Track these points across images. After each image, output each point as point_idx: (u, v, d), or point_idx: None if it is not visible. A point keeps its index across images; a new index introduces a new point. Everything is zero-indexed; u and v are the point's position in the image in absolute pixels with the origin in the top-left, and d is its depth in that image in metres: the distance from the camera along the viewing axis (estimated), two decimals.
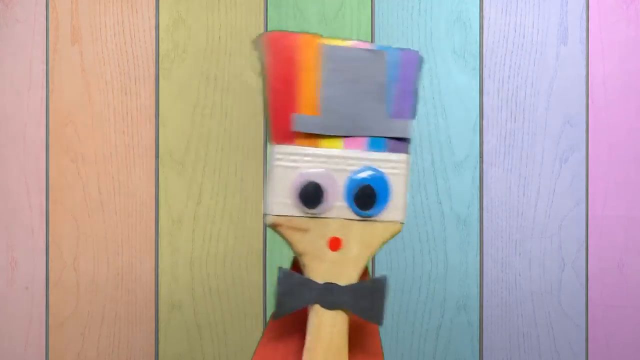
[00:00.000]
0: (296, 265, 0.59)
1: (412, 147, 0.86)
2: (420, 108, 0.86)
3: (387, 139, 0.57)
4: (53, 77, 0.86)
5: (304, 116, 0.56)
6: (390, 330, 0.86)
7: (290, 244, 0.57)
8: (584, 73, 0.86)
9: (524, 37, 0.87)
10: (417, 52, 0.57)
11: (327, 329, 0.56)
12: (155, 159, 0.86)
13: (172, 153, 0.86)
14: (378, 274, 0.87)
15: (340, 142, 0.57)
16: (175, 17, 0.87)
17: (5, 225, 0.86)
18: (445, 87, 0.86)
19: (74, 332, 0.86)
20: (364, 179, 0.57)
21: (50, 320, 0.86)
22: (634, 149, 0.86)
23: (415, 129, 0.86)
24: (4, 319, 0.86)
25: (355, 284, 0.57)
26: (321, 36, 0.56)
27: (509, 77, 0.87)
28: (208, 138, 0.86)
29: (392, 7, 0.87)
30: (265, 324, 0.86)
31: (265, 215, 0.56)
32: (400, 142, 0.58)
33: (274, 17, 0.86)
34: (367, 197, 0.57)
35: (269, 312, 0.86)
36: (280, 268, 0.57)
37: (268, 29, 0.87)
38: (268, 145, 0.57)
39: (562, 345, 0.86)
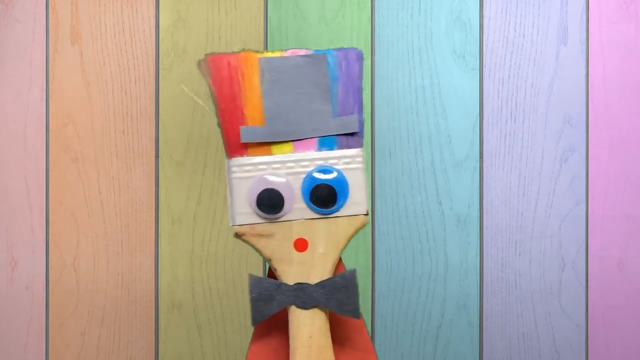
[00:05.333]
0: (272, 272, 0.60)
1: (412, 147, 0.87)
2: (420, 108, 0.86)
3: (336, 137, 0.59)
4: (53, 77, 0.86)
5: (250, 127, 0.59)
6: (390, 330, 0.86)
7: (257, 250, 0.59)
8: (584, 73, 0.86)
9: (524, 37, 0.87)
10: (357, 49, 0.61)
11: (306, 328, 0.58)
12: (155, 159, 0.86)
13: (172, 153, 0.86)
14: (380, 277, 0.87)
15: (290, 146, 0.59)
16: (175, 17, 0.87)
17: (5, 225, 0.86)
18: (445, 87, 0.86)
19: (74, 332, 0.86)
20: (318, 178, 0.59)
21: (50, 320, 0.86)
22: (634, 149, 0.86)
23: (415, 129, 0.86)
24: (4, 319, 0.86)
25: (325, 280, 0.58)
26: (260, 52, 0.59)
27: (509, 77, 0.87)
28: (208, 138, 0.86)
29: (392, 7, 0.87)
30: None
31: (231, 227, 0.59)
32: (351, 137, 0.60)
33: (274, 17, 0.87)
34: (325, 195, 0.59)
35: None
36: (250, 275, 0.59)
37: (268, 29, 0.87)
38: (225, 160, 0.59)
39: (562, 345, 0.86)
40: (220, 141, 0.86)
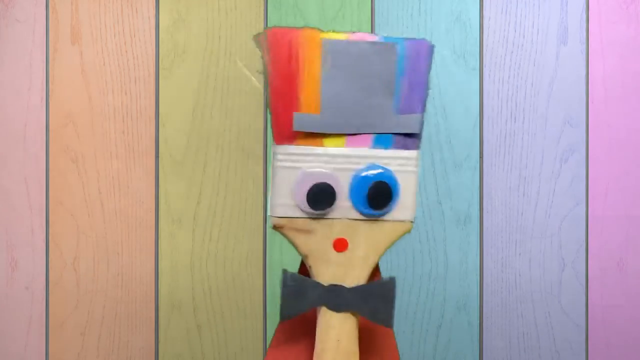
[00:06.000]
0: (304, 268, 0.58)
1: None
2: None
3: (394, 136, 0.55)
4: (53, 77, 0.86)
5: (304, 115, 0.54)
6: None
7: (294, 245, 0.56)
8: (584, 73, 0.86)
9: (524, 37, 0.87)
10: (427, 41, 0.55)
11: (335, 332, 0.55)
12: (155, 159, 0.86)
13: (172, 153, 0.86)
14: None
15: (342, 140, 0.55)
16: (175, 17, 0.87)
17: (5, 225, 0.86)
18: (445, 87, 0.86)
19: (74, 332, 0.86)
20: (372, 177, 0.55)
21: (50, 320, 0.86)
22: (634, 149, 0.86)
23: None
24: (4, 319, 0.86)
25: (362, 285, 0.55)
26: (325, 31, 0.54)
27: (509, 77, 0.87)
28: (208, 138, 0.86)
29: (392, 7, 0.87)
30: (265, 324, 0.86)
31: (269, 217, 0.55)
32: (409, 138, 0.55)
33: (274, 17, 0.86)
34: (379, 195, 0.55)
35: (269, 312, 0.86)
36: (284, 270, 0.55)
37: None
38: (272, 146, 0.55)
39: (562, 345, 0.86)
40: (220, 141, 0.86)
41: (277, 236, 0.58)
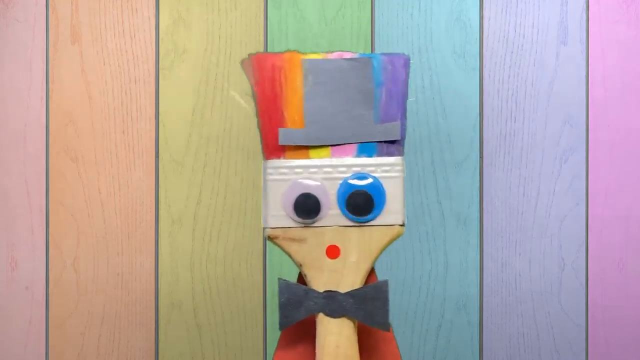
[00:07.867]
0: (302, 277, 0.59)
1: (412, 147, 0.86)
2: (420, 108, 0.86)
3: (377, 144, 0.58)
4: (53, 77, 0.86)
5: (289, 130, 0.58)
6: None
7: (289, 255, 0.59)
8: (584, 73, 0.86)
9: (524, 37, 0.87)
10: (404, 54, 0.59)
11: (333, 337, 0.57)
12: (155, 159, 0.86)
13: (172, 153, 0.86)
14: (380, 277, 0.87)
15: (328, 151, 0.58)
16: (175, 17, 0.87)
17: (5, 225, 0.86)
18: (445, 87, 0.86)
19: (74, 332, 0.86)
20: (354, 185, 0.58)
21: (50, 320, 0.86)
22: (634, 149, 0.86)
23: (415, 129, 0.86)
24: (4, 319, 0.86)
25: (356, 290, 0.57)
26: (305, 52, 0.59)
27: (509, 77, 0.87)
28: (208, 138, 0.86)
29: (392, 7, 0.87)
30: (265, 324, 0.86)
31: (263, 228, 0.59)
32: (392, 145, 0.58)
33: (274, 17, 0.86)
34: (360, 203, 0.57)
35: (269, 312, 0.86)
36: (280, 279, 0.58)
37: (268, 29, 0.87)
38: (262, 162, 0.59)
39: (562, 345, 0.86)
40: (220, 141, 0.86)
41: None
